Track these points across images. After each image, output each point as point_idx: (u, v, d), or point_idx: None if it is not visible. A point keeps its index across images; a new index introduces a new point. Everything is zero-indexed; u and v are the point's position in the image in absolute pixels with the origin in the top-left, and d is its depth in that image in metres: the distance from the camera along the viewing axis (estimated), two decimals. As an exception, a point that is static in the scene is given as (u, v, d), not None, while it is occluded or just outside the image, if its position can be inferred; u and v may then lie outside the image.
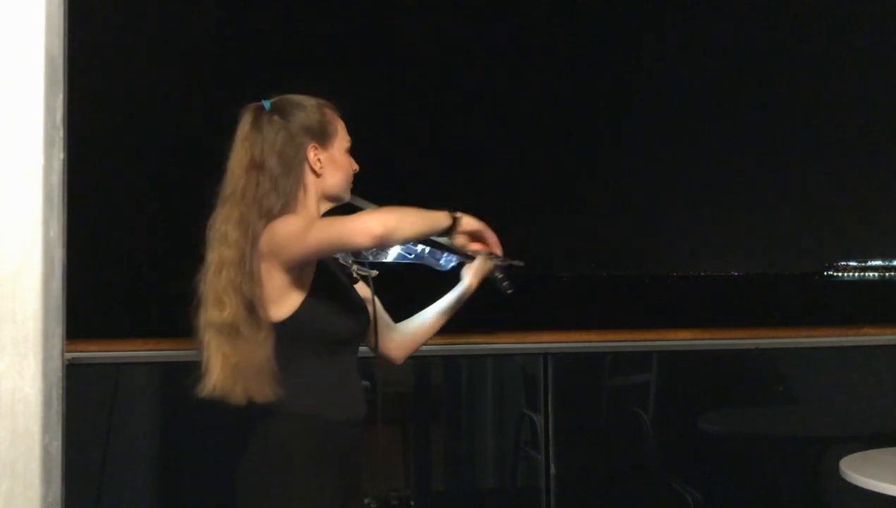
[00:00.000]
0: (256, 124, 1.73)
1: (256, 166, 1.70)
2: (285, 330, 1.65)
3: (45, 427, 0.62)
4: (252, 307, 1.61)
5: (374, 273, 1.82)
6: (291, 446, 1.67)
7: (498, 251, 1.77)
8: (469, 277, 1.89)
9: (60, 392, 0.67)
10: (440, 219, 1.68)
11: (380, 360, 1.93)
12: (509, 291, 1.83)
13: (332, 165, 1.77)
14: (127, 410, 2.92)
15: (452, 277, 1.91)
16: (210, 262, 1.64)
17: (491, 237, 1.76)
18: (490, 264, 1.85)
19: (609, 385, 3.39)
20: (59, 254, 0.69)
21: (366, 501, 1.71)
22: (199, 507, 2.96)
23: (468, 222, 1.73)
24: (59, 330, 0.68)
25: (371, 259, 1.80)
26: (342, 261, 1.81)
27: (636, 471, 3.27)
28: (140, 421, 2.97)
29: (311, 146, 1.74)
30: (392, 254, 1.82)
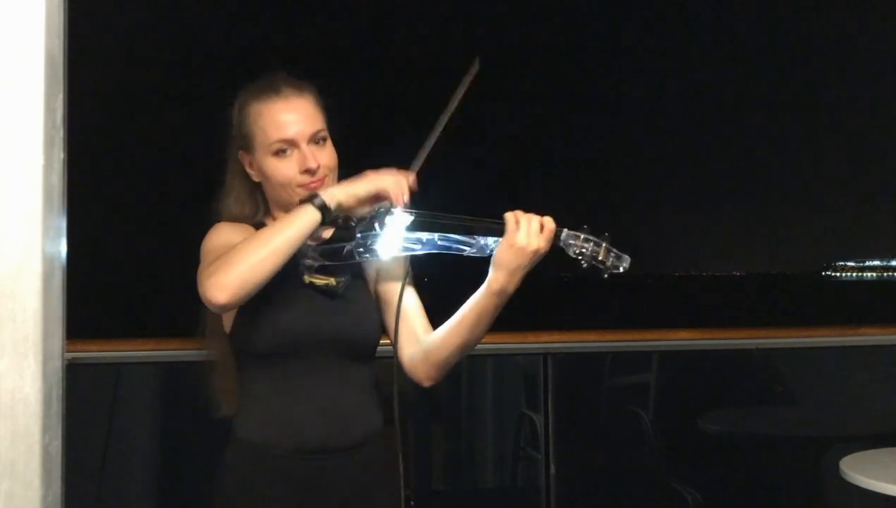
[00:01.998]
0: None
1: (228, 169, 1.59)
2: (232, 343, 1.51)
3: (45, 427, 0.62)
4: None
5: (331, 281, 1.46)
6: (233, 476, 1.49)
7: (398, 199, 1.41)
8: (493, 266, 1.44)
9: (60, 392, 0.67)
10: (301, 219, 1.37)
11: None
12: (610, 272, 1.43)
13: (261, 172, 1.51)
14: (127, 410, 2.92)
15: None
16: None
17: (390, 184, 1.40)
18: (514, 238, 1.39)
19: (609, 385, 3.39)
20: (59, 254, 0.69)
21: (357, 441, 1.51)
22: (198, 507, 2.97)
23: (346, 193, 1.40)
24: (59, 330, 0.69)
25: (357, 259, 1.46)
26: (304, 263, 1.48)
27: (636, 471, 3.27)
28: (140, 421, 2.97)
29: (241, 154, 1.54)
30: (384, 251, 1.45)
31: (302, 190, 1.47)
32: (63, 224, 0.71)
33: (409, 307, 1.56)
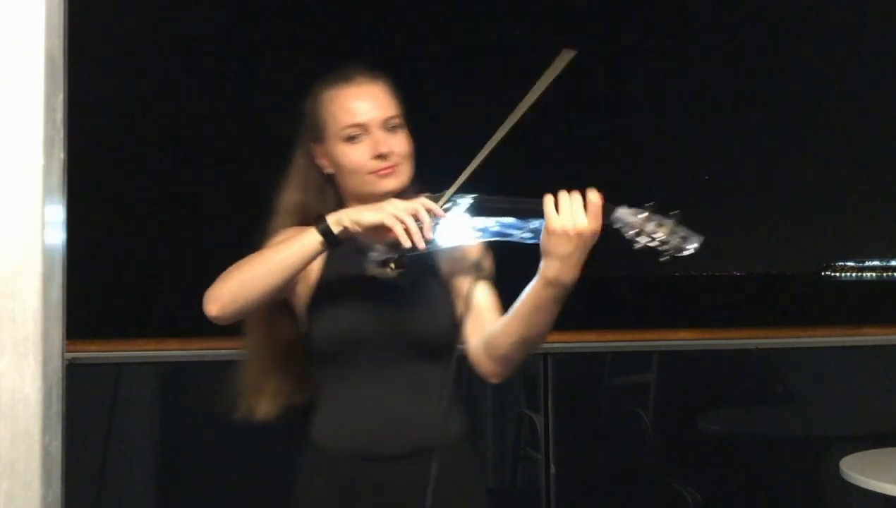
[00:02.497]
0: None
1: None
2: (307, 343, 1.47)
3: (45, 427, 0.62)
4: None
5: (394, 273, 1.33)
6: (302, 479, 1.48)
7: (403, 237, 1.27)
8: (542, 253, 1.30)
9: (60, 392, 0.67)
10: (302, 242, 1.31)
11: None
12: (671, 255, 1.25)
13: (333, 164, 1.46)
14: (127, 410, 2.92)
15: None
16: None
17: (397, 218, 1.28)
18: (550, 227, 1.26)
19: (609, 385, 3.39)
20: (59, 254, 0.69)
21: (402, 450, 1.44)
22: (199, 507, 2.96)
23: (352, 219, 1.30)
24: (59, 330, 0.69)
25: (420, 249, 1.32)
26: (369, 259, 1.38)
27: (636, 471, 3.27)
28: (140, 421, 2.97)
29: (312, 145, 1.50)
30: (446, 239, 1.35)
31: (373, 177, 1.41)
32: (63, 224, 0.71)
33: (480, 299, 1.46)
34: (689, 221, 1.24)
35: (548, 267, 1.28)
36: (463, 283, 1.46)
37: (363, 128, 1.42)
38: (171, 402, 3.01)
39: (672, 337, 3.22)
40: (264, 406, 1.53)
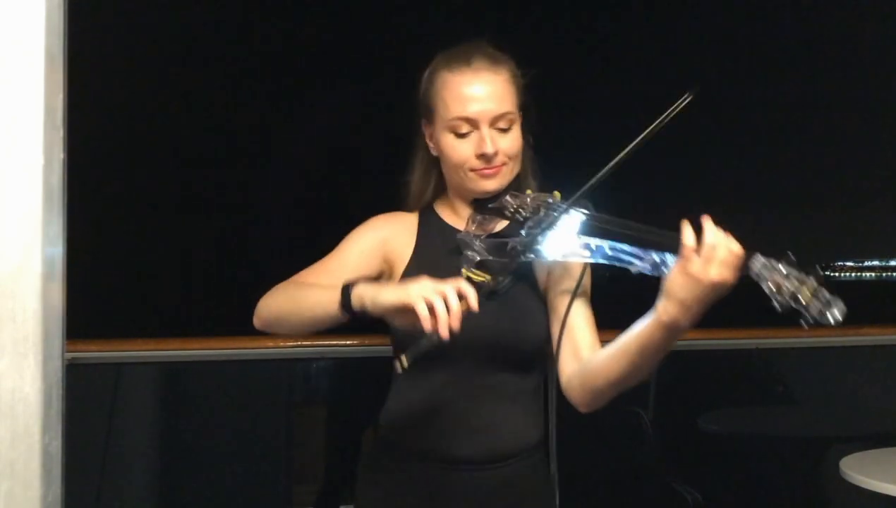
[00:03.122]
0: None
1: None
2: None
3: (45, 427, 0.62)
4: None
5: (488, 278, 1.25)
6: (368, 462, 1.47)
7: (427, 323, 1.12)
8: (663, 292, 1.17)
9: (60, 392, 0.67)
10: (329, 300, 1.24)
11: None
12: (806, 326, 1.09)
13: (438, 148, 1.40)
14: (127, 410, 2.92)
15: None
16: None
17: (423, 301, 1.13)
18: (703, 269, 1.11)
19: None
20: (59, 254, 0.69)
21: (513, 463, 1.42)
22: (198, 507, 2.96)
23: (373, 298, 1.18)
24: (59, 330, 0.68)
25: (521, 258, 1.27)
26: (465, 255, 1.33)
27: (636, 471, 3.27)
28: (140, 421, 2.97)
29: (423, 122, 1.44)
30: (550, 253, 1.27)
31: (475, 175, 1.35)
32: (63, 224, 0.71)
33: (576, 319, 1.35)
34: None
35: (666, 310, 1.15)
36: (560, 301, 1.36)
37: (472, 123, 1.33)
38: (171, 402, 3.01)
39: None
40: None
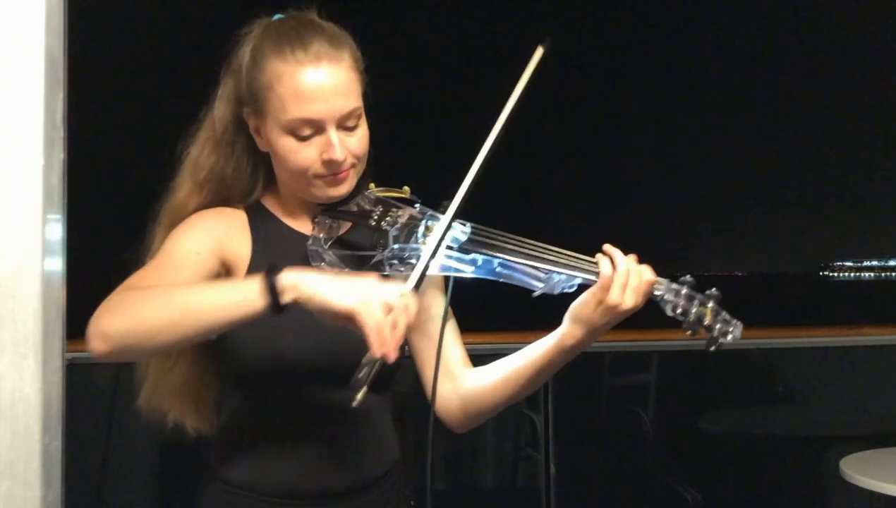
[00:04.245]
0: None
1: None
2: (214, 360, 1.22)
3: (45, 427, 0.62)
4: None
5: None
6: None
7: (379, 351, 0.96)
8: (570, 318, 1.16)
9: (60, 392, 0.67)
10: (239, 294, 0.99)
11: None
12: (711, 348, 1.16)
13: (270, 146, 1.18)
14: (127, 410, 2.92)
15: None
16: None
17: (375, 329, 0.96)
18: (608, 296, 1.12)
19: (609, 385, 3.39)
20: (59, 253, 0.69)
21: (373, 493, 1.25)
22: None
23: (318, 296, 0.97)
24: (59, 330, 0.69)
25: (387, 271, 1.15)
26: (315, 263, 1.17)
27: (636, 471, 3.27)
28: (140, 421, 2.96)
29: (246, 111, 1.19)
30: (436, 266, 1.14)
31: (321, 182, 1.16)
32: (63, 224, 0.71)
33: (448, 338, 1.25)
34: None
35: (572, 334, 1.15)
36: (422, 312, 1.19)
37: (316, 125, 1.13)
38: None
39: (672, 337, 3.22)
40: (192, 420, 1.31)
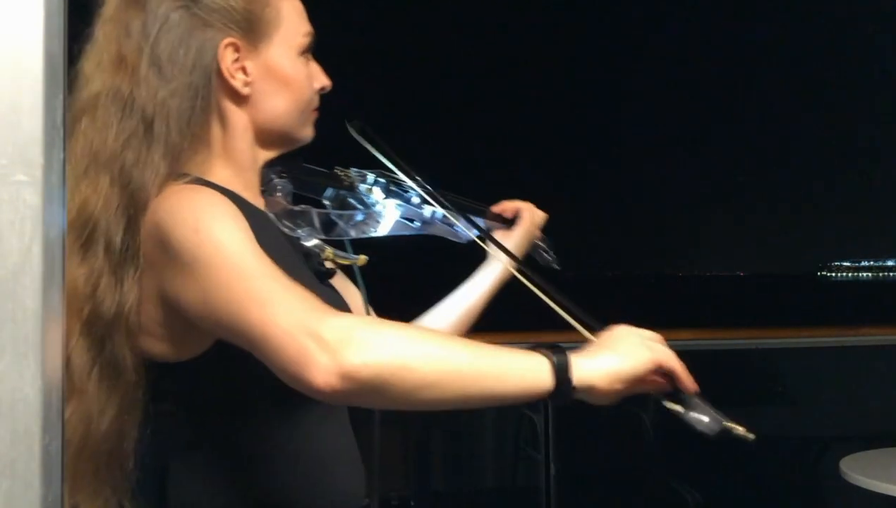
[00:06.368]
0: None
1: (129, 74, 0.94)
2: (193, 376, 0.96)
3: (45, 428, 0.62)
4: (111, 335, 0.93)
5: (362, 258, 1.04)
6: None
7: (686, 385, 1.01)
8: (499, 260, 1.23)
9: (60, 392, 0.67)
10: (530, 374, 0.90)
11: None
12: (556, 266, 1.38)
13: (271, 78, 0.99)
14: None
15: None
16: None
17: (680, 366, 1.02)
18: (530, 234, 1.32)
19: (609, 385, 3.39)
20: (59, 254, 0.69)
21: (365, 501, 1.09)
22: None
23: (614, 374, 0.94)
24: (59, 330, 0.69)
25: (354, 234, 1.07)
26: (306, 243, 1.03)
27: (636, 471, 3.27)
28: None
29: (225, 42, 0.96)
30: (385, 226, 1.10)
31: (312, 115, 1.06)
32: (63, 224, 0.71)
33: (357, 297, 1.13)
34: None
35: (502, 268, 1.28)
36: (344, 285, 1.13)
37: (311, 47, 1.04)
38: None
39: (672, 337, 3.21)
40: None
